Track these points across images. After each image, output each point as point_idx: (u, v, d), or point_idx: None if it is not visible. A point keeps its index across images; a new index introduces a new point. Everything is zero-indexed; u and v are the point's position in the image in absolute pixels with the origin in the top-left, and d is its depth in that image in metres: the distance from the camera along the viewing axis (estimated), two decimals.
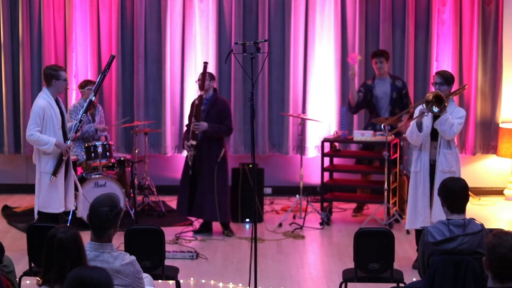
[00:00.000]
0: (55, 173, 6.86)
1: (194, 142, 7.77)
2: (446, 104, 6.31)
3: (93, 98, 7.34)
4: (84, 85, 8.41)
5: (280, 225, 8.27)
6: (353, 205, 9.00)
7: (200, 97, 7.76)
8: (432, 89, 6.76)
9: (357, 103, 8.62)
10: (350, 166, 9.07)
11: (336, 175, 8.97)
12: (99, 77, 7.41)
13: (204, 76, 7.70)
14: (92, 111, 8.52)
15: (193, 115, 7.76)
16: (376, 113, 8.59)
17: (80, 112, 7.28)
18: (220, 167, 7.85)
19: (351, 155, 9.09)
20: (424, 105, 6.46)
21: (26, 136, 6.92)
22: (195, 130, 7.75)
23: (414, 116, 6.62)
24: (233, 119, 9.39)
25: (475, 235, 4.54)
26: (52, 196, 6.91)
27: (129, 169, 8.63)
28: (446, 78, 6.57)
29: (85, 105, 7.36)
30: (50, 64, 7.88)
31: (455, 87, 6.88)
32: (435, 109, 6.33)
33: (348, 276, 5.48)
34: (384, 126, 7.93)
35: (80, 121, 7.14)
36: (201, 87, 7.73)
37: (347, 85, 9.44)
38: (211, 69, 9.46)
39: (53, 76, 6.88)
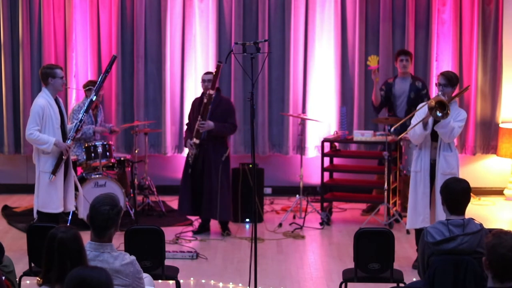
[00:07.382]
0: (54, 172, 6.85)
1: (197, 141, 7.78)
2: (449, 111, 6.28)
3: (94, 98, 7.35)
4: (87, 85, 8.41)
5: (280, 225, 8.27)
6: (353, 205, 9.01)
7: (209, 96, 7.74)
8: (436, 89, 6.73)
9: (381, 103, 8.61)
10: (350, 166, 9.07)
11: (336, 175, 8.97)
12: (100, 77, 7.41)
13: (217, 76, 7.69)
14: (95, 111, 8.53)
15: (200, 113, 7.75)
16: (393, 112, 8.58)
17: (81, 112, 7.28)
18: (224, 166, 7.86)
19: (351, 155, 9.09)
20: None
21: (25, 135, 6.91)
22: (200, 129, 7.75)
23: (416, 121, 6.58)
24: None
25: (474, 235, 4.54)
26: (51, 196, 6.90)
27: (129, 169, 8.63)
28: (450, 79, 6.53)
29: (86, 105, 7.35)
30: (45, 64, 7.89)
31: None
32: (439, 114, 6.31)
33: (348, 276, 5.48)
34: (385, 127, 7.91)
35: (81, 120, 7.14)
36: (213, 86, 7.72)
37: (347, 85, 9.46)
38: (211, 69, 9.47)
39: (49, 75, 6.86)
